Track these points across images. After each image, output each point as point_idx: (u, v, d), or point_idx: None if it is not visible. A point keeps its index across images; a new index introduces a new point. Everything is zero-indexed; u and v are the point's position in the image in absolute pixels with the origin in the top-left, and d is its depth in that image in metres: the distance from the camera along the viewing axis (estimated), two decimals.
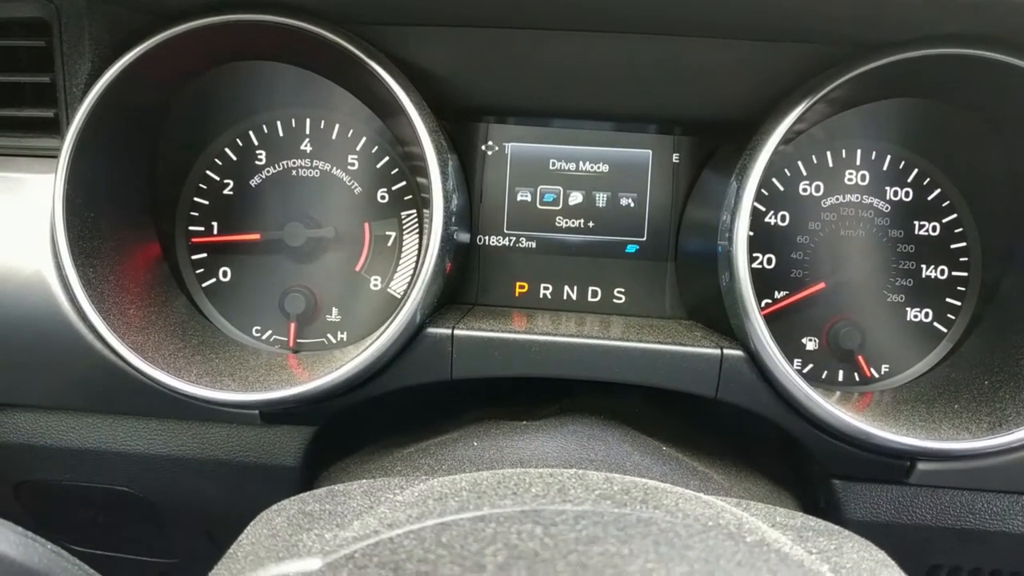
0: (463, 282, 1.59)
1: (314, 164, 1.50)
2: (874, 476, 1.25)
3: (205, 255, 1.50)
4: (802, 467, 1.36)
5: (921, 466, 1.20)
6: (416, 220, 1.50)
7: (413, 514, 0.75)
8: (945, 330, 1.45)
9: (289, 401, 1.19)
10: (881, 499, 1.26)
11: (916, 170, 1.46)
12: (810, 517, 0.94)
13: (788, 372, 1.17)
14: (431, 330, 1.25)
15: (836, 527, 0.91)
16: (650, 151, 1.57)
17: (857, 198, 1.47)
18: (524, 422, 1.27)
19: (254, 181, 1.50)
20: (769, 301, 1.47)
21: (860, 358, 1.44)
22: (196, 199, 1.50)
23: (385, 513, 0.78)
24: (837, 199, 1.47)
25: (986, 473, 1.20)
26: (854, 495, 1.27)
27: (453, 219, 1.27)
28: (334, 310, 1.50)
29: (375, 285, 1.50)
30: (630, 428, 1.27)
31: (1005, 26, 1.11)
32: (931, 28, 1.14)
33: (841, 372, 1.47)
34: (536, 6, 1.16)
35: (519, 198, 1.58)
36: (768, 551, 0.69)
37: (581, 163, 1.57)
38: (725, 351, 1.22)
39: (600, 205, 1.57)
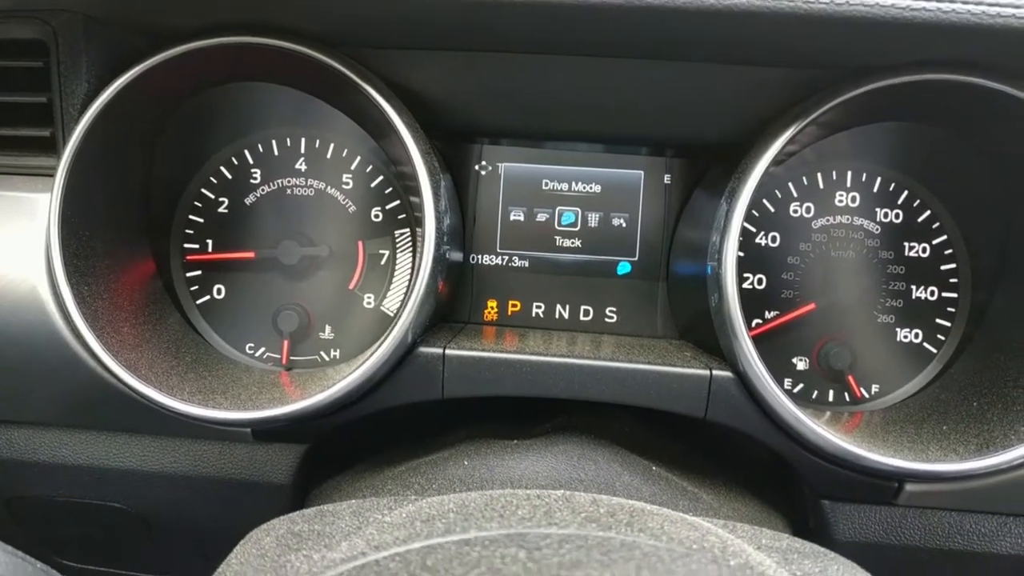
0: (456, 300, 1.60)
1: (308, 183, 1.51)
2: (863, 497, 1.26)
3: (199, 272, 1.51)
4: (791, 487, 1.36)
5: (909, 487, 1.21)
6: (409, 239, 1.51)
7: (400, 536, 0.76)
8: (935, 351, 1.46)
9: (280, 419, 1.20)
10: (870, 520, 1.27)
11: (906, 192, 1.47)
12: (796, 539, 0.95)
13: (776, 393, 1.18)
14: (423, 349, 1.25)
15: (822, 549, 0.92)
16: (642, 172, 1.58)
17: (847, 219, 1.48)
18: (515, 441, 1.28)
19: (249, 199, 1.51)
20: (760, 321, 1.48)
21: (850, 378, 1.45)
22: (191, 217, 1.51)
23: (373, 534, 0.79)
24: (828, 220, 1.48)
25: (974, 494, 1.21)
26: (843, 516, 1.27)
27: (445, 239, 1.28)
28: (327, 328, 1.51)
29: (368, 303, 1.51)
30: (620, 448, 1.28)
31: (993, 52, 1.12)
32: (921, 53, 1.15)
33: (831, 392, 1.48)
34: (528, 32, 1.17)
35: (512, 217, 1.60)
36: (751, 574, 0.69)
37: (574, 183, 1.59)
38: (714, 372, 1.22)
39: (592, 225, 1.59)
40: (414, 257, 1.51)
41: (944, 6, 1.02)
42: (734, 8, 1.04)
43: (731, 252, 1.21)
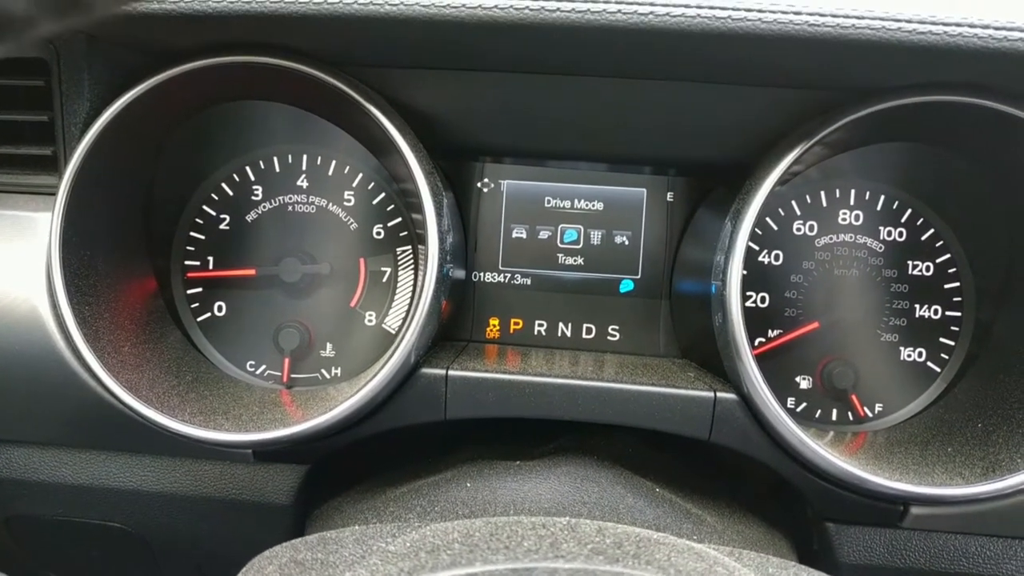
0: (458, 318, 1.59)
1: (310, 200, 1.50)
2: (868, 519, 1.25)
3: (200, 290, 1.50)
4: (795, 509, 1.35)
5: (915, 510, 1.20)
6: (411, 256, 1.50)
7: (405, 567, 0.75)
8: (938, 370, 1.46)
9: (282, 441, 1.19)
10: (875, 542, 1.26)
11: (910, 210, 1.47)
12: (803, 567, 0.94)
13: (781, 416, 1.17)
14: (425, 371, 1.25)
15: None
16: (644, 190, 1.58)
17: (851, 238, 1.47)
18: (517, 462, 1.27)
19: (250, 216, 1.50)
20: (763, 340, 1.47)
21: (854, 397, 1.44)
22: (192, 234, 1.50)
23: (377, 565, 0.78)
24: (831, 239, 1.48)
25: (980, 518, 1.20)
26: (848, 538, 1.26)
27: (448, 258, 1.27)
28: (328, 346, 1.50)
29: (370, 321, 1.50)
30: (623, 469, 1.27)
31: (999, 75, 1.12)
32: (927, 76, 1.15)
33: (835, 411, 1.47)
34: (530, 53, 1.17)
35: (514, 235, 1.59)
36: None
37: (576, 201, 1.58)
38: (718, 394, 1.22)
39: (595, 243, 1.58)
40: (416, 274, 1.50)
41: (951, 30, 1.02)
42: (740, 31, 1.03)
43: (736, 272, 1.21)
